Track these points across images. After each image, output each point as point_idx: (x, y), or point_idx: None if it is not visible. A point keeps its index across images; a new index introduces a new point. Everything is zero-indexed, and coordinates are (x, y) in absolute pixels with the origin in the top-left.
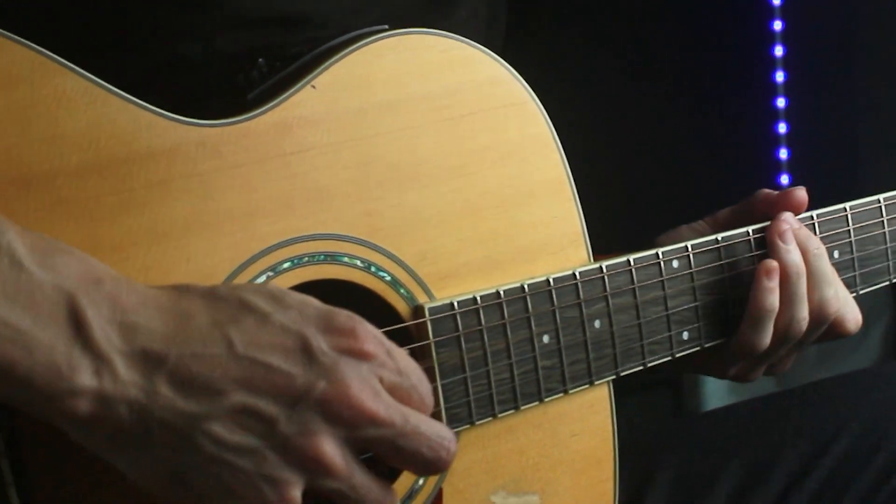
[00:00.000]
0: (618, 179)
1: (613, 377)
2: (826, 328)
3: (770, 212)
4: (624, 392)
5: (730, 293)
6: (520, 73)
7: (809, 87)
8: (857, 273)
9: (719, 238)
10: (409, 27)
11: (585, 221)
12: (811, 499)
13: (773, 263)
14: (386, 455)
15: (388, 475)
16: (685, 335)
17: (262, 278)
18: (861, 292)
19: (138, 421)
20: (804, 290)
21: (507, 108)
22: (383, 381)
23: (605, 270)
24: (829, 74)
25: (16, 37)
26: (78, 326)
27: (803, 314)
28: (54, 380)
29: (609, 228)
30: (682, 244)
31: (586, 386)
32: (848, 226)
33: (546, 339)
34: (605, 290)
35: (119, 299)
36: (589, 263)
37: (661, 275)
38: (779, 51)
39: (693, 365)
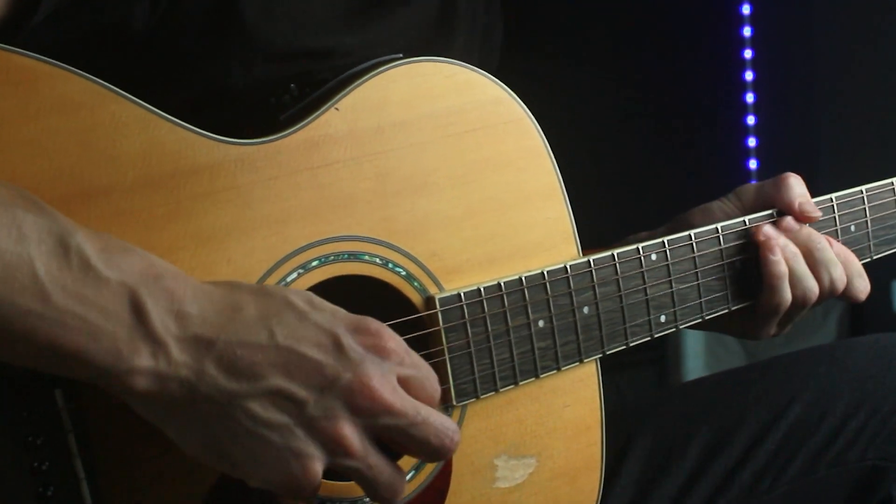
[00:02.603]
0: (604, 183)
1: (600, 355)
2: (840, 294)
3: (785, 205)
4: (615, 368)
5: (701, 281)
6: (514, 89)
7: (776, 107)
8: (870, 242)
9: (692, 234)
10: (419, 55)
11: (575, 220)
12: (768, 459)
13: (771, 243)
14: (398, 442)
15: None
16: (662, 318)
17: (294, 275)
18: (875, 257)
19: (187, 396)
20: (805, 268)
21: (505, 124)
22: (400, 375)
23: (592, 264)
24: (794, 95)
25: (76, 69)
26: (139, 316)
27: (811, 285)
28: (116, 361)
29: (596, 226)
30: (659, 240)
31: (577, 363)
32: (864, 204)
33: (541, 323)
34: (592, 281)
35: (176, 292)
36: (578, 258)
37: (642, 267)
38: (749, 75)
39: (724, 328)
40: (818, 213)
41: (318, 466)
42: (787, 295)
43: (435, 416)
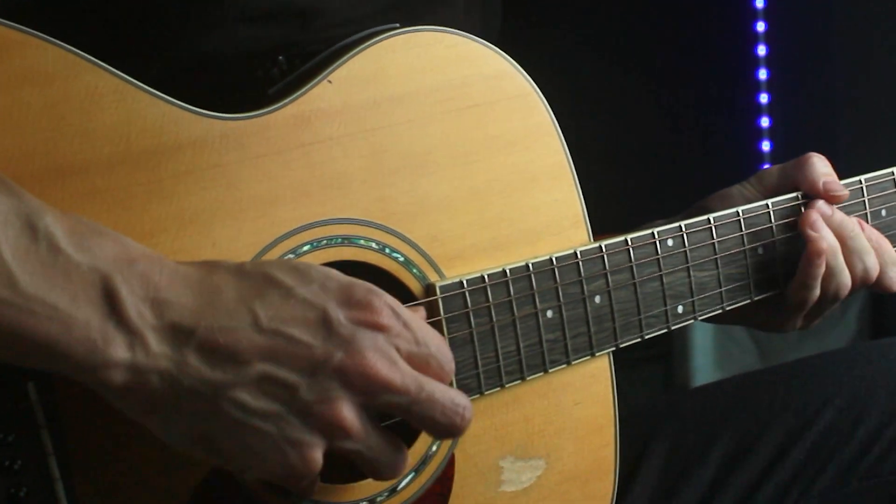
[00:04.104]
0: (612, 165)
1: (613, 349)
2: (872, 284)
3: (809, 185)
4: (616, 367)
5: (721, 269)
6: (520, 63)
7: (790, 84)
8: None
9: (711, 219)
10: (412, 17)
11: (585, 204)
12: (796, 469)
13: (822, 245)
14: (403, 418)
15: (406, 440)
16: (680, 309)
17: None
18: None
19: (168, 389)
20: (842, 262)
21: (510, 99)
22: (401, 350)
23: (604, 250)
24: (810, 71)
25: (49, 37)
26: (112, 304)
27: (845, 280)
28: (90, 353)
29: (604, 211)
30: (676, 224)
31: (588, 357)
32: (895, 188)
33: (550, 313)
34: (604, 267)
35: (152, 277)
36: (589, 243)
37: (657, 253)
38: (762, 50)
39: (744, 320)
40: (845, 192)
41: (317, 453)
42: (818, 290)
43: (441, 391)
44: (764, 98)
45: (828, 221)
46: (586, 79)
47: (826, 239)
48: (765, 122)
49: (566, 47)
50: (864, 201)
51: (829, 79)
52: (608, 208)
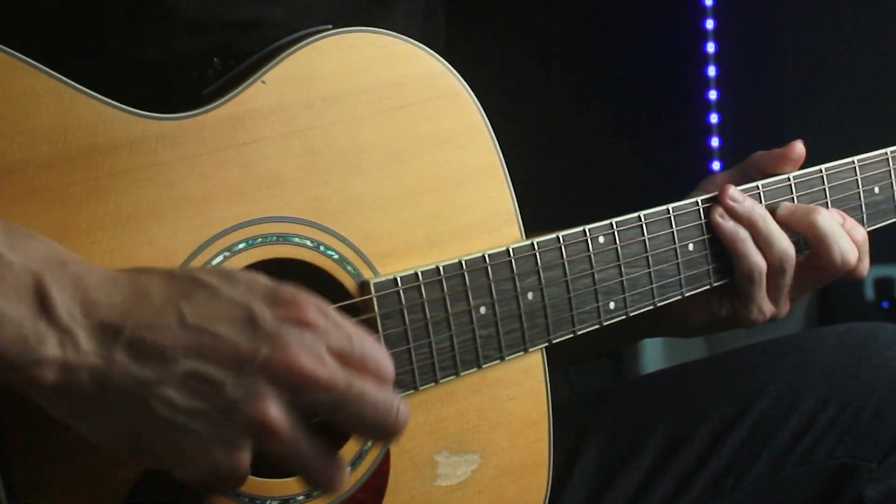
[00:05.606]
0: (559, 162)
1: (546, 344)
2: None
3: (771, 169)
4: (567, 361)
5: (652, 266)
6: (458, 66)
7: (739, 81)
8: (864, 214)
9: (642, 216)
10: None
11: (518, 202)
12: (731, 456)
13: (725, 206)
14: (334, 419)
15: (339, 439)
16: (612, 305)
17: (220, 258)
18: (868, 230)
19: (98, 386)
20: (775, 227)
21: (443, 98)
22: (331, 348)
23: (536, 247)
24: (759, 68)
25: None
26: (43, 303)
27: (785, 245)
28: (22, 351)
29: (541, 207)
30: (607, 222)
31: (521, 353)
32: (856, 175)
33: (483, 310)
34: (536, 264)
35: (81, 279)
36: (521, 241)
37: (589, 250)
38: (711, 47)
39: (716, 322)
40: (799, 147)
41: (244, 453)
42: (756, 257)
43: (372, 389)
44: (713, 95)
45: (738, 207)
46: (528, 78)
47: (728, 210)
48: (714, 118)
49: (509, 48)
50: (857, 180)
51: (779, 77)
52: (542, 205)
